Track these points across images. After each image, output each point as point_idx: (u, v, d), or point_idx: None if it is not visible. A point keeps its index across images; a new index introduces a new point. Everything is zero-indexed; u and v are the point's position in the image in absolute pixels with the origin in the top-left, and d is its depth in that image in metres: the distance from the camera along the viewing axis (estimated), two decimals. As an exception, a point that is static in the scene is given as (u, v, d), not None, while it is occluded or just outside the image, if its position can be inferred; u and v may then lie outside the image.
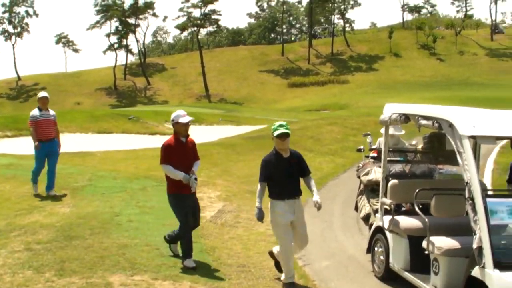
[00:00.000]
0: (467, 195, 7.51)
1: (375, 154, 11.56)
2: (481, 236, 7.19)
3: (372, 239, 10.38)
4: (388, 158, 10.40)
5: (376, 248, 10.22)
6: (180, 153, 9.81)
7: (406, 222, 9.41)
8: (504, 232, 7.67)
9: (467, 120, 7.94)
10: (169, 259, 9.97)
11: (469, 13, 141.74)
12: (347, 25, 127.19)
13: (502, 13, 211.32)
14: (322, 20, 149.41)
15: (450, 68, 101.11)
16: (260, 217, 9.24)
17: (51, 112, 14.72)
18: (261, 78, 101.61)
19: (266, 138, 24.67)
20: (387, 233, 9.77)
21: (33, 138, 14.36)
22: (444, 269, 8.29)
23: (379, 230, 10.08)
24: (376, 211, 10.56)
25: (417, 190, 9.16)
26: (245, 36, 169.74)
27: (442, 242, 8.34)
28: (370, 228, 10.70)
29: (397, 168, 10.82)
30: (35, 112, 14.49)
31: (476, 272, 7.31)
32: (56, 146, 14.72)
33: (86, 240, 10.73)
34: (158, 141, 27.40)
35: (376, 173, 10.88)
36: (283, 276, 9.31)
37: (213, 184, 17.02)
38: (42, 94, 14.88)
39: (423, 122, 8.80)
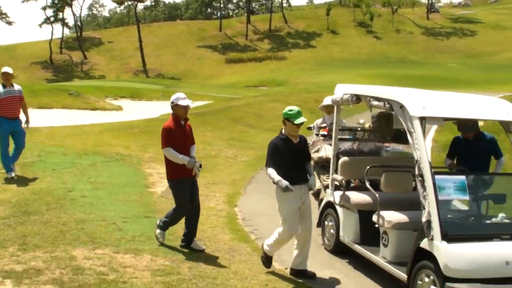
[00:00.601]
0: (416, 172, 8.00)
1: (325, 132, 11.97)
2: (430, 210, 7.68)
3: (322, 214, 10.83)
4: (338, 136, 10.85)
5: (326, 222, 10.69)
6: (179, 136, 9.68)
7: (357, 197, 9.90)
8: (451, 207, 8.23)
9: (417, 101, 8.42)
10: (127, 233, 10.24)
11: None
12: (284, 1, 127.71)
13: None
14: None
15: (386, 46, 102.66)
16: (285, 185, 8.77)
17: (16, 87, 13.93)
18: (198, 53, 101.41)
19: (209, 115, 25.06)
20: (337, 207, 10.24)
21: None
22: (393, 241, 8.81)
23: (330, 205, 10.54)
24: (326, 187, 11.02)
25: (368, 167, 9.65)
26: (182, 11, 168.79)
27: (391, 216, 8.85)
28: (320, 203, 11.15)
29: (346, 146, 11.31)
30: None
31: (424, 244, 7.82)
32: (20, 125, 14.01)
33: (43, 215, 10.92)
34: (101, 117, 27.56)
35: (326, 151, 11.32)
36: (266, 246, 9.33)
37: (161, 160, 17.03)
38: (4, 69, 13.82)
39: (375, 103, 9.25)
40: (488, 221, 8.34)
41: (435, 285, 7.66)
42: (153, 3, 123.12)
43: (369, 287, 9.07)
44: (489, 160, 10.31)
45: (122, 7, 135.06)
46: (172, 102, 9.73)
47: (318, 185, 11.29)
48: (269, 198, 14.00)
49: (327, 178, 11.07)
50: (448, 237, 7.57)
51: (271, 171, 8.91)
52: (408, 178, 9.74)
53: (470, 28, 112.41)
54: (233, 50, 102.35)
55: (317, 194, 11.40)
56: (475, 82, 59.36)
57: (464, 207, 9.22)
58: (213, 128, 22.55)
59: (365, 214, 9.64)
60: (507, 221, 8.20)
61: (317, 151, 11.43)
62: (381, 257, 8.97)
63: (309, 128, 13.24)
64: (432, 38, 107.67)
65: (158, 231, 9.98)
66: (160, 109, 30.59)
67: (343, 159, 10.51)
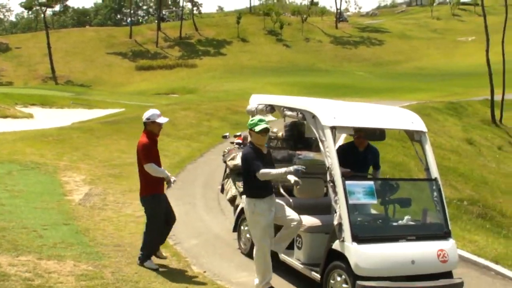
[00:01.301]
0: (328, 178, 8.54)
1: (239, 141, 12.39)
2: (341, 214, 8.24)
3: (238, 219, 11.26)
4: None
5: (242, 227, 11.11)
6: (155, 152, 9.87)
7: (272, 202, 10.36)
8: (360, 210, 8.81)
9: (329, 112, 8.96)
10: (48, 240, 10.37)
11: (314, 0, 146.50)
12: (194, 8, 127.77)
13: (346, 1, 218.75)
14: (169, 2, 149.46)
15: (296, 54, 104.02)
16: (298, 171, 8.63)
17: None
18: (108, 60, 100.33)
19: (123, 123, 25.15)
20: (253, 213, 10.68)
21: None
22: (306, 244, 9.33)
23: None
24: (242, 194, 11.44)
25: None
26: (91, 17, 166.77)
27: (304, 220, 9.36)
28: (236, 209, 11.55)
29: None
30: None
31: (336, 245, 8.36)
32: None
33: (-37, 223, 10.96)
34: (12, 125, 27.23)
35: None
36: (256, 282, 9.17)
37: (77, 168, 17.38)
38: None
39: (288, 113, 9.76)
40: (395, 223, 8.94)
41: (346, 283, 8.22)
42: (62, 9, 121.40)
43: (283, 286, 9.52)
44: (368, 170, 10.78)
45: (30, 12, 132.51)
46: (148, 119, 9.77)
47: (233, 191, 11.69)
48: (184, 205, 14.52)
49: (242, 185, 11.48)
50: (358, 238, 8.13)
51: (266, 170, 8.85)
52: (320, 184, 10.31)
53: (378, 37, 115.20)
54: (143, 57, 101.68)
55: (232, 200, 11.78)
56: (381, 90, 61.05)
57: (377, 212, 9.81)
58: (128, 136, 22.66)
59: None
60: (412, 223, 8.85)
61: (233, 158, 11.82)
62: (295, 259, 9.46)
63: (224, 137, 13.65)
64: (340, 47, 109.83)
65: (146, 263, 9.83)
66: (72, 117, 30.47)
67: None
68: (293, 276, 9.73)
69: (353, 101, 39.70)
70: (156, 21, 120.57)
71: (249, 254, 10.81)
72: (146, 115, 9.87)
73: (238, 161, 11.70)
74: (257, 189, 9.01)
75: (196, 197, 15.66)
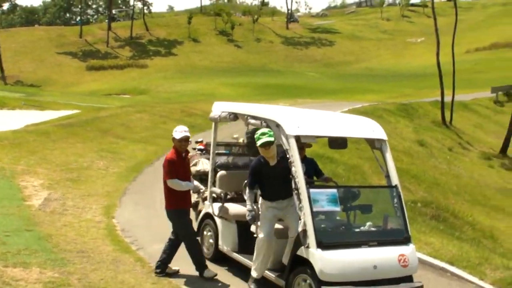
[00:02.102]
0: (293, 186, 8.76)
1: (201, 147, 12.57)
2: (306, 220, 8.46)
3: (201, 224, 11.43)
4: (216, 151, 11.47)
5: (205, 232, 11.28)
6: (180, 168, 10.01)
7: (235, 209, 10.55)
8: (324, 217, 9.05)
9: (293, 121, 9.17)
10: (12, 247, 10.38)
11: (265, 0, 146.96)
12: (145, 7, 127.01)
13: (296, 2, 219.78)
14: (119, 1, 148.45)
15: (247, 54, 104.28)
16: (252, 218, 9.32)
17: None
18: (58, 60, 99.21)
19: (77, 126, 25.07)
20: (216, 218, 10.86)
21: None
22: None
23: (208, 216, 11.15)
24: (204, 199, 11.61)
25: (246, 181, 10.31)
26: (40, 16, 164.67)
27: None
28: (198, 214, 11.72)
29: (222, 159, 11.95)
30: None
31: (301, 251, 8.59)
32: None
33: None
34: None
35: (203, 164, 11.92)
36: (253, 273, 9.45)
37: (35, 172, 17.30)
38: None
39: (252, 121, 9.94)
40: (357, 230, 9.20)
41: (311, 288, 8.45)
42: (11, 7, 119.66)
43: (249, 293, 9.72)
44: None
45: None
46: (172, 135, 10.01)
47: (196, 197, 11.85)
48: (144, 209, 14.61)
49: (205, 191, 11.64)
50: (322, 244, 8.37)
51: (249, 193, 9.49)
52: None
53: (328, 38, 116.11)
54: (94, 57, 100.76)
55: (195, 206, 11.95)
56: (333, 91, 61.67)
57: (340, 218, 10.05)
58: (83, 140, 22.63)
59: (242, 225, 10.31)
60: (373, 229, 9.13)
61: (195, 164, 12.00)
62: (259, 265, 9.64)
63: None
64: (291, 48, 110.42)
65: (204, 274, 10.11)
66: (25, 118, 30.09)
67: (221, 173, 11.16)
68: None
69: (306, 102, 40.21)
70: (107, 21, 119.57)
71: (212, 259, 11.01)
72: (174, 131, 10.08)
73: (200, 167, 11.89)
74: (265, 194, 9.53)
75: (156, 201, 15.68)
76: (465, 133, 37.85)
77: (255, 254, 9.26)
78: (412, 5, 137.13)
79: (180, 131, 9.97)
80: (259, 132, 9.40)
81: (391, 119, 34.44)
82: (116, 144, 22.79)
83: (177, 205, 10.06)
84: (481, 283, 10.88)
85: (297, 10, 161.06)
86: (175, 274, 10.23)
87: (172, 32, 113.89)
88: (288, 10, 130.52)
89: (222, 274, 10.43)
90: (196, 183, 10.27)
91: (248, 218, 9.37)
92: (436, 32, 38.37)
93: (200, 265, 10.21)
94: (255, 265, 9.28)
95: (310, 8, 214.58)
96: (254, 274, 9.27)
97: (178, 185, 9.89)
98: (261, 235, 9.20)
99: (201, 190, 10.35)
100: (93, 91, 71.28)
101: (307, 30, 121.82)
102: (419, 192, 20.28)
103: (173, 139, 10.05)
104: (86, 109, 34.76)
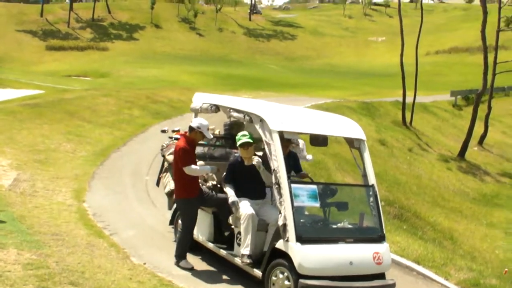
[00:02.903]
0: (274, 180, 8.97)
1: (178, 136, 12.63)
2: (286, 215, 8.68)
3: (175, 213, 11.54)
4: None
5: (179, 221, 11.40)
6: (193, 156, 10.26)
7: (212, 199, 10.69)
8: (304, 212, 9.27)
9: (276, 117, 9.37)
10: (-12, 228, 10.44)
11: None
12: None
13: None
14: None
15: (209, 43, 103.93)
16: (233, 202, 9.70)
17: None
18: (18, 38, 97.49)
19: (44, 107, 24.92)
20: (192, 208, 10.99)
21: None
22: (247, 241, 9.72)
23: (184, 205, 11.26)
24: (180, 188, 11.71)
25: (225, 173, 10.49)
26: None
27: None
28: (173, 203, 11.81)
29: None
30: None
31: (280, 244, 8.81)
32: None
33: None
34: None
35: (180, 154, 11.98)
36: (246, 252, 9.50)
37: (2, 152, 17.22)
38: None
39: (235, 114, 10.12)
40: (334, 226, 9.46)
41: (288, 280, 8.68)
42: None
43: (224, 282, 9.91)
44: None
45: None
46: (198, 128, 10.11)
47: (172, 185, 11.94)
48: (114, 194, 14.70)
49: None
50: (302, 239, 8.61)
51: (228, 188, 10.01)
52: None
53: (290, 32, 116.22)
54: (54, 37, 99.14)
55: (170, 194, 12.02)
56: (295, 85, 61.88)
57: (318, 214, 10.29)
58: (50, 121, 22.51)
59: (217, 215, 10.49)
60: (349, 226, 9.41)
61: (172, 153, 12.05)
62: (236, 256, 9.83)
63: (163, 131, 13.83)
64: (253, 39, 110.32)
65: (181, 263, 10.28)
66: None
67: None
68: (231, 271, 10.12)
69: (269, 95, 40.40)
70: (68, 1, 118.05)
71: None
72: (197, 123, 10.18)
73: (176, 156, 11.94)
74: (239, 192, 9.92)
75: (126, 186, 15.84)
76: (425, 134, 38.44)
77: (242, 233, 9.47)
78: (375, 4, 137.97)
79: (208, 129, 10.23)
80: (240, 133, 9.89)
81: (353, 117, 34.63)
82: (82, 128, 22.73)
83: (187, 194, 10.19)
84: (446, 283, 11.22)
85: (260, 2, 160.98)
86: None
87: (135, 17, 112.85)
88: (251, 1, 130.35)
89: (197, 263, 10.60)
90: (208, 166, 10.44)
91: (230, 201, 9.67)
92: (402, 34, 38.78)
93: (181, 255, 10.36)
94: (245, 243, 9.44)
95: (273, 0, 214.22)
96: (245, 251, 9.43)
97: (195, 170, 10.08)
98: (244, 213, 9.48)
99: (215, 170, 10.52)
100: (53, 71, 70.32)
101: (270, 23, 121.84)
102: (381, 191, 20.56)
103: (199, 133, 10.17)
104: (49, 90, 34.46)
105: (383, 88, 60.05)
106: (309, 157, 12.50)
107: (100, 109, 26.88)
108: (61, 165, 17.18)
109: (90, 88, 37.04)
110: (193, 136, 10.26)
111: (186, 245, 10.44)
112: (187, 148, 10.14)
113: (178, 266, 10.25)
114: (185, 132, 10.70)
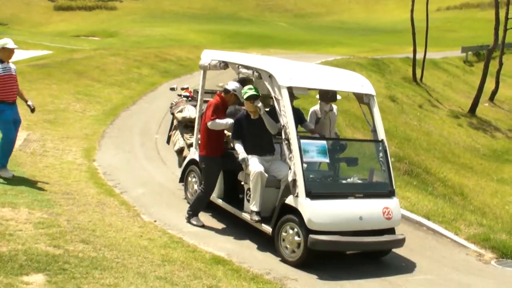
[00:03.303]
0: (283, 136, 8.95)
1: (187, 93, 12.62)
2: (295, 170, 8.67)
3: (185, 170, 11.56)
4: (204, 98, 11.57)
5: (189, 178, 11.42)
6: (221, 117, 10.26)
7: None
8: (314, 168, 9.26)
9: (285, 72, 9.32)
10: (-4, 186, 10.47)
11: None
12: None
13: None
14: None
15: (218, 1, 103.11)
16: (244, 159, 9.66)
17: (12, 65, 11.27)
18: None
19: (52, 67, 24.90)
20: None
21: None
22: (257, 197, 9.73)
23: (193, 162, 11.27)
24: (189, 146, 11.73)
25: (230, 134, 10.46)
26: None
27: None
28: (183, 160, 11.84)
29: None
30: None
31: (290, 200, 8.83)
32: (18, 112, 11.55)
33: None
34: None
35: (189, 111, 11.98)
36: (254, 208, 9.54)
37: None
38: (11, 44, 11.03)
39: (243, 70, 10.06)
40: (344, 181, 9.46)
41: (298, 236, 8.70)
42: None
43: (235, 238, 9.94)
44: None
45: None
46: (234, 90, 10.24)
47: (181, 143, 11.97)
48: (124, 153, 14.73)
49: (190, 137, 11.77)
50: (311, 194, 8.61)
51: (237, 144, 9.95)
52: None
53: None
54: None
55: (180, 152, 12.06)
56: (303, 42, 61.61)
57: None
58: (58, 81, 22.46)
59: (229, 172, 10.49)
60: (359, 181, 9.41)
61: (181, 111, 12.05)
62: (245, 212, 9.85)
63: (172, 89, 13.81)
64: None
65: (192, 219, 10.34)
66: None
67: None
68: (241, 227, 10.16)
69: (278, 52, 40.25)
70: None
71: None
72: (233, 86, 10.28)
73: (186, 113, 11.96)
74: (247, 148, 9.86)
75: (134, 145, 15.84)
76: (435, 91, 38.20)
77: (251, 190, 9.48)
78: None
79: (242, 90, 10.05)
80: (246, 87, 9.83)
81: (363, 73, 34.24)
82: (91, 87, 22.70)
83: (212, 152, 10.25)
84: (456, 238, 11.20)
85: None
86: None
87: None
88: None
89: (207, 220, 10.65)
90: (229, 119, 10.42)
91: (240, 158, 9.64)
92: (412, -11, 38.38)
93: (195, 212, 10.40)
94: (254, 200, 9.46)
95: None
96: (254, 208, 9.46)
97: (218, 124, 10.13)
98: (253, 170, 9.45)
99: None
100: (61, 32, 70.29)
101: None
102: (392, 147, 20.49)
103: (234, 95, 10.25)
104: (58, 50, 34.38)
105: (393, 44, 59.69)
106: None
107: (109, 69, 26.81)
108: (70, 125, 17.19)
109: (99, 47, 36.98)
110: (228, 97, 10.34)
111: (203, 203, 10.48)
112: (219, 107, 10.23)
113: (189, 222, 10.29)
114: (219, 93, 10.66)
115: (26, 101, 11.74)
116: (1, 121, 11.08)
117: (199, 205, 10.42)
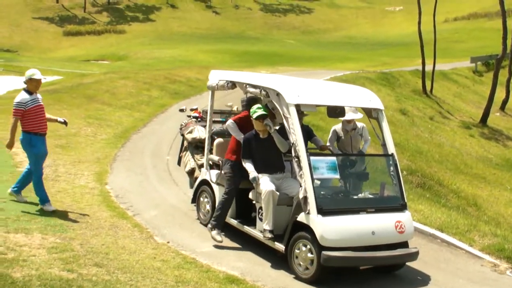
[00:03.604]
0: (293, 154, 8.97)
1: (196, 114, 12.69)
2: (306, 187, 8.69)
3: (197, 191, 11.60)
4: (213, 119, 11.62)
5: (201, 199, 11.45)
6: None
7: (233, 176, 10.70)
8: (324, 184, 9.27)
9: (293, 90, 9.36)
10: (10, 213, 10.44)
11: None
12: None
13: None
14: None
15: (225, 21, 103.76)
16: (254, 178, 9.73)
17: (39, 96, 11.28)
18: (35, 25, 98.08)
19: (62, 92, 25.07)
20: (213, 185, 11.03)
21: (12, 133, 10.72)
22: (270, 216, 9.75)
23: (205, 182, 11.31)
24: (200, 166, 11.78)
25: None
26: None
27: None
28: (195, 181, 11.87)
29: (217, 127, 12.10)
30: (24, 96, 10.77)
31: (301, 217, 8.84)
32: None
33: None
34: None
35: (199, 132, 12.04)
36: (267, 227, 9.55)
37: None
38: (38, 74, 11.05)
39: (251, 90, 10.11)
40: (355, 197, 9.47)
41: (311, 253, 8.70)
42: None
43: (248, 257, 9.94)
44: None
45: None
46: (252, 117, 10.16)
47: (192, 164, 12.01)
48: (136, 175, 14.76)
49: (201, 158, 11.82)
50: (322, 211, 8.62)
51: (247, 163, 10.00)
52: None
53: (307, 6, 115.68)
54: (70, 23, 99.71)
55: (191, 172, 12.11)
56: (312, 59, 61.77)
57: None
58: (69, 106, 22.61)
59: (241, 191, 10.51)
60: (371, 196, 9.42)
61: (190, 132, 12.11)
62: (257, 231, 9.86)
63: (181, 110, 13.89)
64: (270, 15, 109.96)
65: (214, 232, 10.30)
66: (5, 84, 30.07)
67: (218, 140, 11.32)
68: (255, 246, 10.16)
69: (287, 70, 40.35)
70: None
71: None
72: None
73: (195, 134, 12.02)
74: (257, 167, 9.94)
75: (147, 167, 15.88)
76: (445, 102, 38.16)
77: (263, 209, 9.49)
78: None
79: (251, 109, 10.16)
80: (254, 106, 9.89)
81: (372, 87, 34.49)
82: (102, 111, 22.82)
83: (236, 157, 10.34)
84: (470, 249, 11.17)
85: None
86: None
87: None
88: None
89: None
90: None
91: (251, 177, 9.68)
92: (419, 1, 38.46)
93: (218, 223, 10.39)
94: (267, 219, 9.47)
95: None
96: (267, 226, 9.47)
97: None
98: (264, 189, 9.46)
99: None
100: (71, 57, 70.82)
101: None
102: (403, 161, 20.52)
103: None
104: (68, 75, 34.62)
105: (401, 57, 59.75)
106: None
107: (119, 92, 26.96)
108: (82, 149, 17.26)
109: (108, 71, 37.21)
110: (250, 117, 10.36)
111: (227, 208, 10.41)
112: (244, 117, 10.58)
113: (211, 233, 10.29)
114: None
115: (56, 120, 11.90)
116: (32, 155, 10.95)
117: (223, 211, 10.37)
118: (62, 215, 10.96)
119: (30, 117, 10.74)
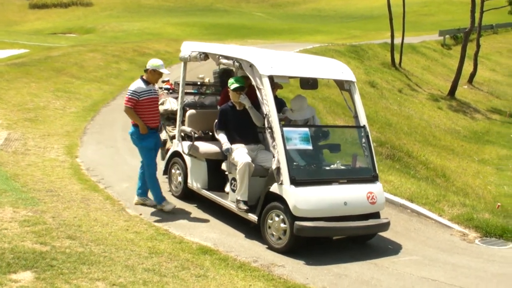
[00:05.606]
0: (266, 125, 8.99)
1: (168, 86, 12.62)
2: (279, 158, 8.72)
3: (169, 162, 11.59)
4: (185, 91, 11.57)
5: (173, 171, 11.46)
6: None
7: (205, 147, 10.71)
8: (297, 155, 9.31)
9: (266, 61, 9.36)
10: (-19, 188, 10.43)
11: None
12: None
13: None
14: None
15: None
16: (228, 149, 9.74)
17: (156, 86, 10.98)
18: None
19: (30, 65, 24.71)
20: (185, 157, 11.01)
21: (140, 123, 10.29)
22: (242, 186, 9.77)
23: (177, 154, 11.30)
24: (172, 138, 11.75)
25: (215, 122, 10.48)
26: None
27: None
28: (166, 153, 11.86)
29: (189, 99, 12.05)
30: (140, 85, 10.45)
31: (274, 188, 8.87)
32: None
33: None
34: None
35: (171, 104, 11.99)
36: (240, 197, 9.57)
37: (-7, 115, 17.15)
38: (163, 69, 10.49)
39: (224, 61, 10.09)
40: (328, 168, 9.52)
41: (284, 223, 8.76)
42: None
43: (220, 228, 9.97)
44: None
45: None
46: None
47: (164, 135, 11.97)
48: (106, 148, 14.70)
49: (172, 129, 11.78)
50: (295, 181, 8.66)
51: (220, 134, 10.08)
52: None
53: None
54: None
55: (163, 144, 12.06)
56: (281, 32, 61.65)
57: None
58: (37, 79, 22.35)
59: (212, 163, 10.53)
60: (342, 167, 9.47)
61: (162, 104, 12.05)
62: (230, 201, 9.89)
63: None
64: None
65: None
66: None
67: (191, 111, 11.29)
68: (227, 217, 10.20)
69: (256, 42, 40.22)
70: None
71: (181, 196, 11.23)
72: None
73: (167, 106, 11.96)
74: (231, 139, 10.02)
75: (117, 140, 15.81)
76: (414, 75, 38.36)
77: (238, 180, 9.49)
78: None
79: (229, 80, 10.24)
80: (232, 78, 10.02)
81: (342, 60, 34.23)
82: (71, 84, 22.60)
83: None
84: (440, 219, 11.32)
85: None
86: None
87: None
88: None
89: (193, 211, 10.69)
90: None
91: (224, 148, 9.74)
92: (387, -26, 38.45)
93: None
94: (241, 191, 9.49)
95: None
96: (241, 197, 9.51)
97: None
98: (240, 161, 9.48)
99: None
100: (38, 30, 69.84)
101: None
102: (373, 132, 20.57)
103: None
104: (35, 48, 34.15)
105: (370, 30, 59.83)
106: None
107: (88, 65, 26.69)
108: (51, 123, 17.12)
109: (76, 44, 36.76)
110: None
111: None
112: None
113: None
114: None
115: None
116: (143, 149, 10.54)
117: None
118: (33, 188, 10.90)
119: (143, 109, 10.27)
